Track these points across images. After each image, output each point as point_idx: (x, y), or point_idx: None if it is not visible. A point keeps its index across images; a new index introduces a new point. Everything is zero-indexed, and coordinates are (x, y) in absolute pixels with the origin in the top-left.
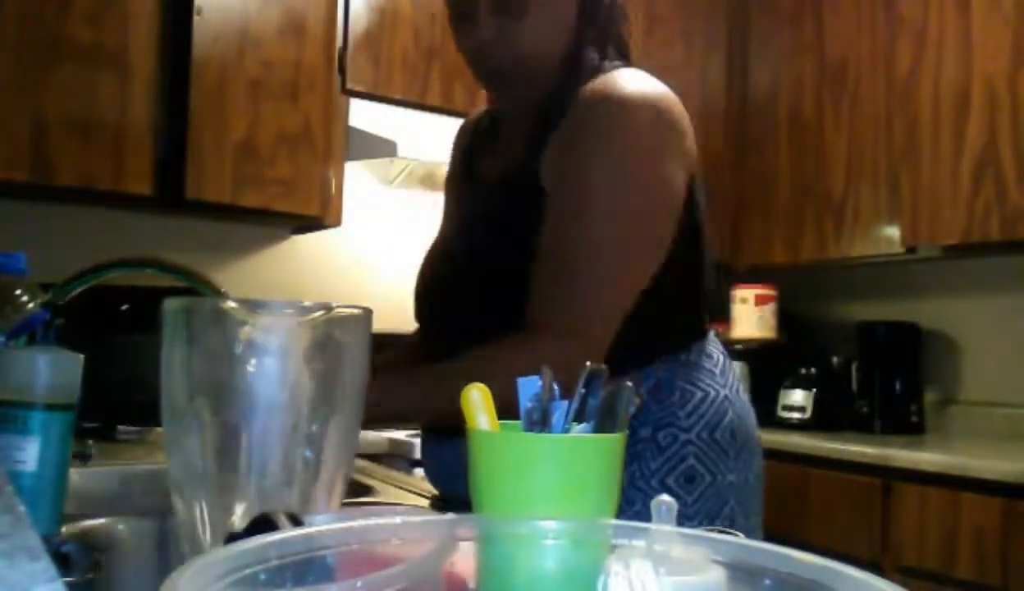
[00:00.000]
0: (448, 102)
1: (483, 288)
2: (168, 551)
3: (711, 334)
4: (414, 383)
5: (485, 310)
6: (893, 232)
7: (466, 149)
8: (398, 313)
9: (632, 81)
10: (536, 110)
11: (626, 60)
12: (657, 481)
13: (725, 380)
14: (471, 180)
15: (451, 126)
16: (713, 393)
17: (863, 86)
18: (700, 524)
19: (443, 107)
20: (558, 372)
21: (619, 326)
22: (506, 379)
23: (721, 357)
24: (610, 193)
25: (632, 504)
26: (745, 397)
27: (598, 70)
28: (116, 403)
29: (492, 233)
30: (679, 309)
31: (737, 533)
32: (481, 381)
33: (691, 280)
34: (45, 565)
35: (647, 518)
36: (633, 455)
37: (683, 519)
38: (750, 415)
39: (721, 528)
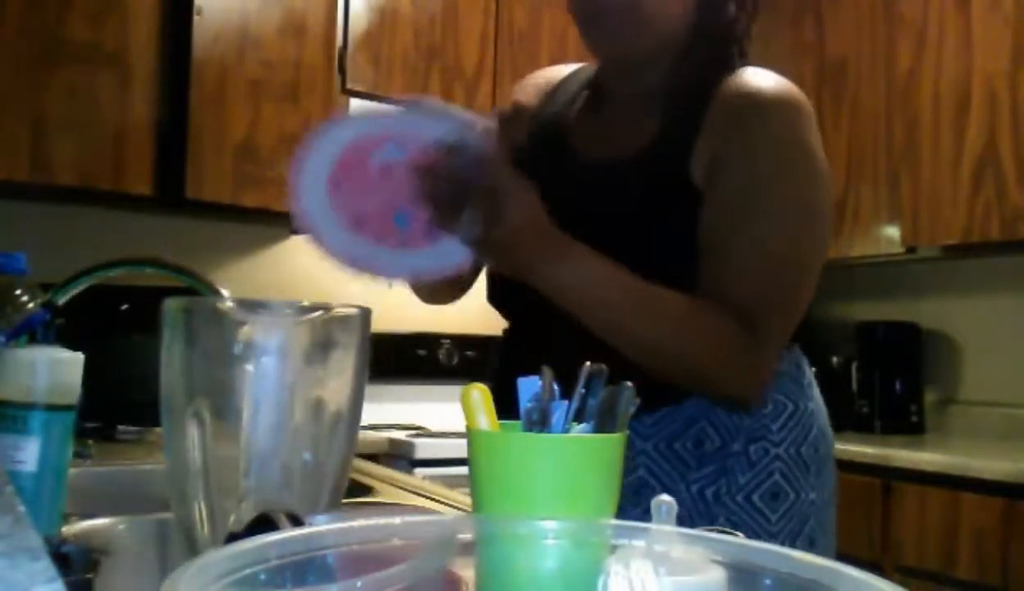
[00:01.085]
0: (448, 102)
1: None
2: (168, 551)
3: (797, 345)
4: (624, 283)
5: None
6: (893, 232)
7: (542, 119)
8: (398, 313)
9: (775, 80)
10: (656, 96)
11: (745, 59)
12: (743, 497)
13: (812, 391)
14: (558, 156)
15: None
16: (803, 406)
17: (863, 86)
18: (783, 543)
19: None
20: (742, 377)
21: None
22: (701, 352)
23: (807, 367)
24: (793, 196)
25: (714, 520)
26: (825, 411)
27: (724, 66)
28: (116, 403)
29: (600, 214)
30: None
31: (737, 533)
32: (685, 339)
33: None
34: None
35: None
36: (721, 470)
37: (767, 537)
38: (829, 429)
39: (721, 528)
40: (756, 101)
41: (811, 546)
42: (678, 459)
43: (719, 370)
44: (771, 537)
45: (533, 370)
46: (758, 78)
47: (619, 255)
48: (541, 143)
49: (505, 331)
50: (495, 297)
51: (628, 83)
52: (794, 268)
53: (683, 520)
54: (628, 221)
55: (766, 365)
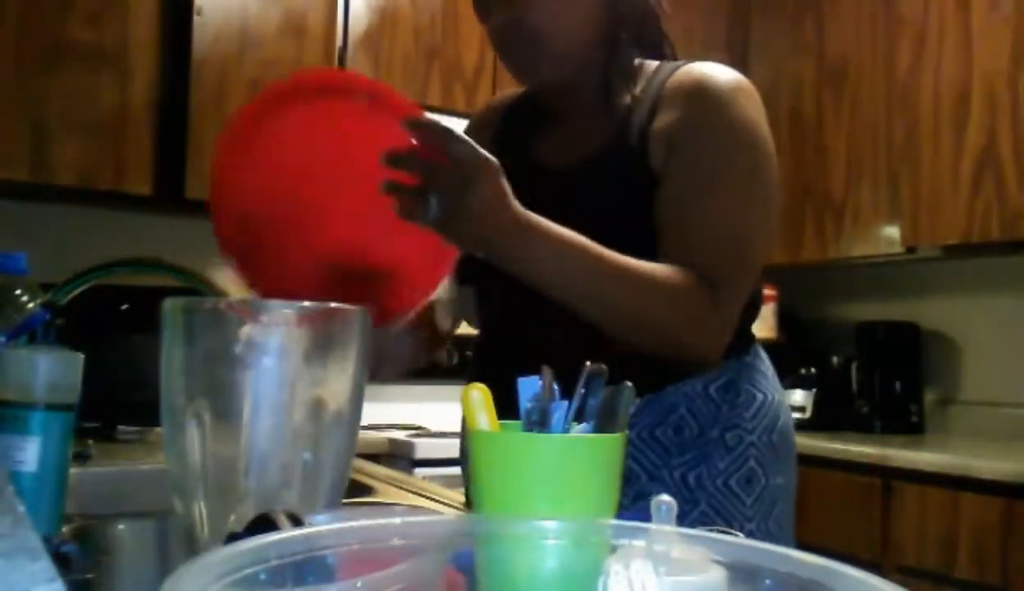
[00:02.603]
0: (448, 102)
1: None
2: (168, 551)
3: (756, 341)
4: (587, 256)
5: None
6: (893, 232)
7: (501, 137)
8: None
9: (722, 68)
10: (595, 102)
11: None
12: (721, 482)
13: (776, 383)
14: (524, 169)
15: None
16: (771, 396)
17: (863, 86)
18: (758, 526)
19: (443, 107)
20: (703, 338)
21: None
22: (665, 312)
23: (768, 360)
24: (746, 173)
25: (696, 504)
26: (788, 402)
27: (656, 53)
28: (116, 403)
29: (604, 221)
30: (744, 309)
31: (738, 533)
32: (650, 300)
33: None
34: (45, 565)
35: (712, 521)
36: (701, 456)
37: (743, 520)
38: (791, 418)
39: (721, 528)
40: (707, 86)
41: (780, 528)
42: (660, 446)
43: (682, 330)
44: (747, 520)
45: (506, 379)
46: (708, 67)
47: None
48: (503, 161)
49: (476, 343)
50: (469, 307)
51: (565, 97)
52: (746, 238)
53: None
54: (597, 221)
55: (724, 327)
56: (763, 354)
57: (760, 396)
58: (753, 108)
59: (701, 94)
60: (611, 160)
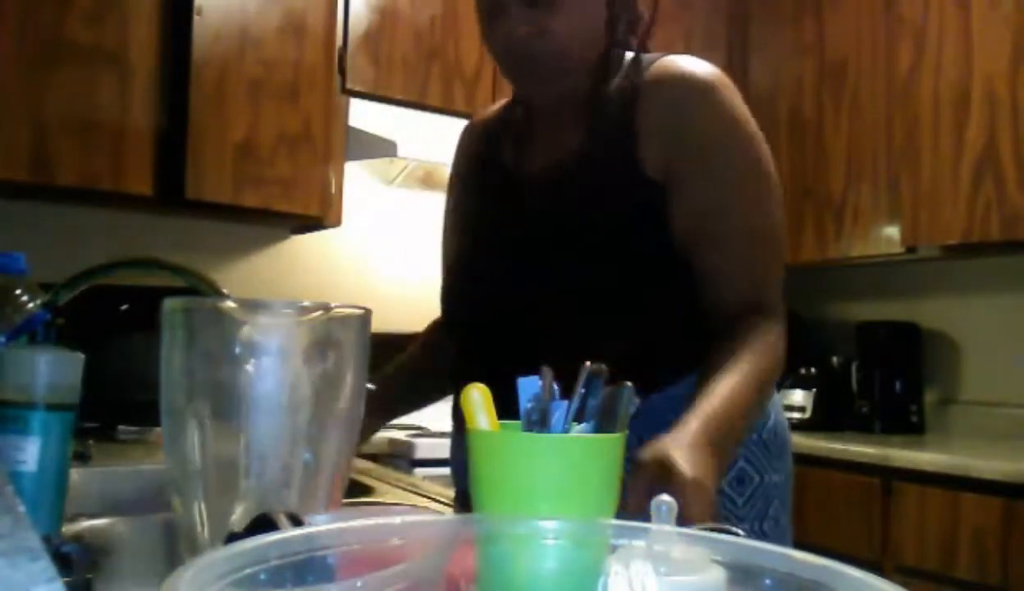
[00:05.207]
0: (448, 102)
1: (586, 298)
2: (168, 551)
3: None
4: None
5: (586, 321)
6: (893, 232)
7: (483, 155)
8: (398, 313)
9: (701, 63)
10: (581, 102)
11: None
12: None
13: None
14: (514, 179)
15: (451, 126)
16: None
17: (863, 86)
18: (752, 526)
19: (443, 107)
20: (779, 352)
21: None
22: (773, 376)
23: None
24: (753, 164)
25: None
26: (778, 397)
27: (637, 57)
28: (116, 403)
29: (552, 219)
30: None
31: (739, 532)
32: (765, 380)
33: None
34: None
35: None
36: None
37: (736, 521)
38: (783, 415)
39: (721, 528)
40: (693, 87)
41: (776, 525)
42: None
43: (780, 368)
44: (740, 521)
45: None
46: (685, 62)
47: (578, 255)
48: (489, 176)
49: (455, 356)
50: (448, 323)
51: (561, 103)
52: (775, 236)
53: None
54: (586, 216)
55: (783, 322)
56: None
57: None
58: (736, 97)
59: (684, 89)
60: (592, 160)
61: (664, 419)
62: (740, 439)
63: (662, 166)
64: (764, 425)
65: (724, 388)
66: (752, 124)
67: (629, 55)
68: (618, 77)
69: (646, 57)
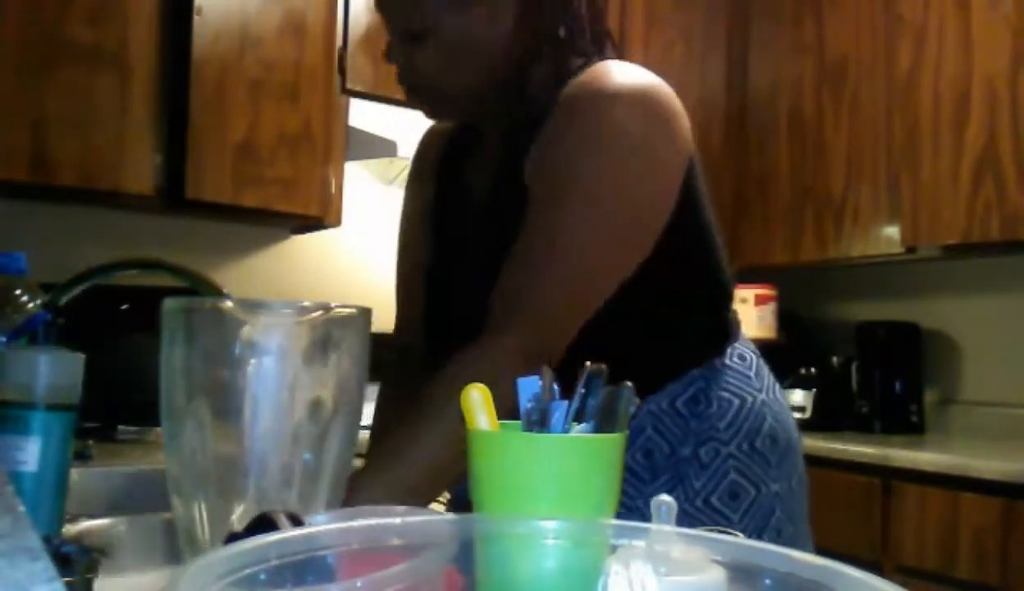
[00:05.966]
0: None
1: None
2: (168, 551)
3: (740, 333)
4: (396, 466)
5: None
6: (893, 232)
7: (441, 163)
8: None
9: (614, 71)
10: (509, 114)
11: (606, 53)
12: (702, 501)
13: (761, 382)
14: (459, 195)
15: None
16: (751, 399)
17: (863, 86)
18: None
19: None
20: (517, 370)
21: (590, 316)
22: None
23: (753, 357)
24: (592, 180)
25: None
26: (782, 397)
27: (580, 67)
28: (116, 403)
29: (494, 245)
30: (702, 311)
31: (737, 533)
32: (450, 411)
33: (707, 278)
34: (45, 565)
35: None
36: (676, 477)
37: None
38: (788, 417)
39: (721, 528)
40: (590, 91)
41: (778, 537)
42: (631, 474)
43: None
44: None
45: None
46: (604, 71)
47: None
48: (441, 192)
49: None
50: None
51: (483, 123)
52: (578, 252)
53: None
54: (506, 244)
55: (524, 341)
56: (747, 353)
57: (736, 401)
58: (635, 112)
59: (573, 97)
60: (508, 180)
61: (643, 434)
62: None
63: (532, 173)
64: (757, 433)
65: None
66: (626, 140)
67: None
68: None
69: (589, 68)
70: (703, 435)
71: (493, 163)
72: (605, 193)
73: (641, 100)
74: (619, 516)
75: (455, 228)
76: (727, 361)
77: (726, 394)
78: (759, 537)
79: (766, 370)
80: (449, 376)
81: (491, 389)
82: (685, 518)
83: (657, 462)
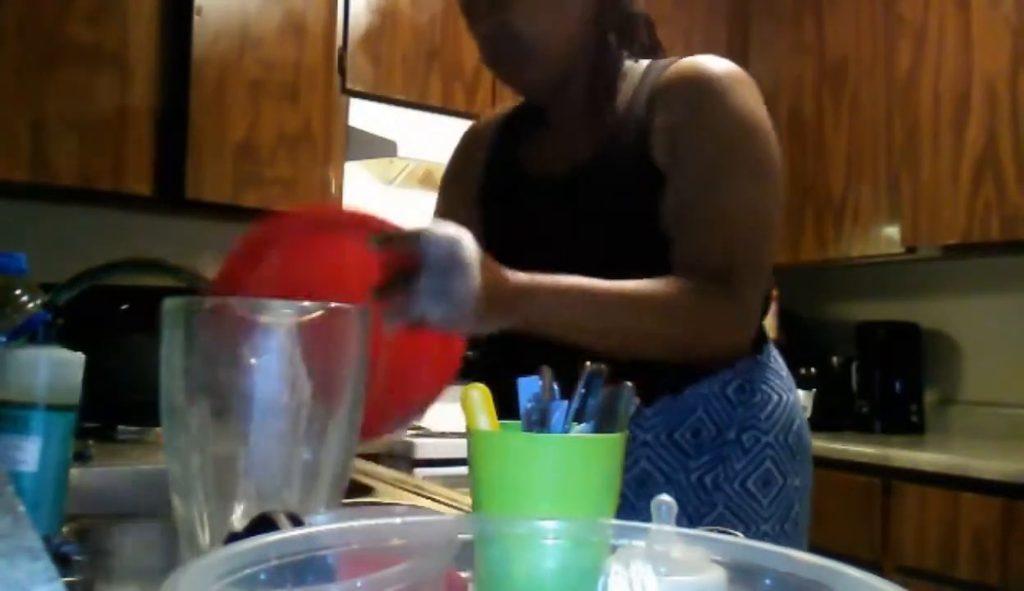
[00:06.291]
0: (448, 102)
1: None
2: (168, 551)
3: (771, 341)
4: (590, 301)
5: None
6: (893, 232)
7: (495, 151)
8: None
9: (720, 60)
10: (584, 104)
11: (660, 49)
12: (739, 484)
13: (790, 383)
14: (522, 179)
15: (451, 126)
16: (785, 397)
17: (863, 86)
18: (773, 527)
19: (443, 107)
20: (729, 333)
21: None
22: (689, 324)
23: (781, 359)
24: (753, 162)
25: (714, 506)
26: (804, 403)
27: (644, 52)
28: (116, 403)
29: (570, 219)
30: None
31: (737, 533)
32: (664, 322)
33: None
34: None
35: (730, 522)
36: (719, 457)
37: (759, 521)
38: (806, 421)
39: (721, 528)
40: (706, 78)
41: (796, 527)
42: (678, 449)
43: (706, 335)
44: (763, 521)
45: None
46: (701, 59)
47: (594, 255)
48: (497, 178)
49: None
50: None
51: (555, 102)
52: (757, 225)
53: (684, 507)
54: (597, 225)
55: (748, 315)
56: (776, 354)
57: (776, 397)
58: (751, 96)
59: (699, 86)
60: (609, 162)
61: (694, 414)
62: (545, 321)
63: (668, 153)
64: (790, 428)
65: (584, 283)
66: (761, 123)
67: (644, 62)
68: (634, 83)
69: (664, 61)
70: (747, 422)
71: (567, 145)
72: (761, 173)
73: (752, 85)
74: (655, 486)
75: (517, 208)
76: (765, 359)
77: (766, 388)
78: (782, 526)
79: (788, 373)
80: (695, 291)
81: (705, 329)
82: (723, 497)
83: (703, 441)
